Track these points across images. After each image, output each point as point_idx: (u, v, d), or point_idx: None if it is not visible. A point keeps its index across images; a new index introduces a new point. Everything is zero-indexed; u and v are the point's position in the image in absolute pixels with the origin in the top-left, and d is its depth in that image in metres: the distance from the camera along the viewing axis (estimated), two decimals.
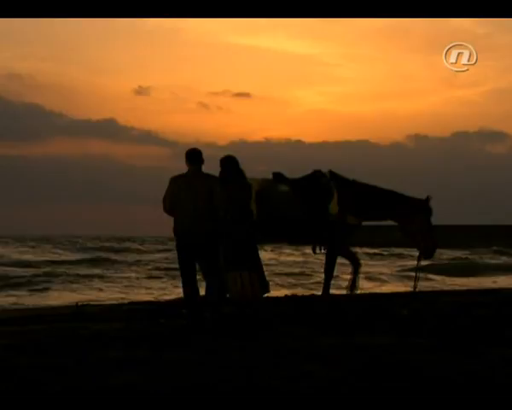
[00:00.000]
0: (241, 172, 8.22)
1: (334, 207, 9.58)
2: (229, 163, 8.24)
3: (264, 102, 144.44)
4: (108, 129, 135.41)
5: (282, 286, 19.31)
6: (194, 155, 8.06)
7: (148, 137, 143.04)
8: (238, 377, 5.42)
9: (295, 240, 10.54)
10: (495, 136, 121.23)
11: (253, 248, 8.13)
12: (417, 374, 5.49)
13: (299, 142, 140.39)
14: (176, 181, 8.01)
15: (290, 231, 9.67)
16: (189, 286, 8.01)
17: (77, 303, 12.04)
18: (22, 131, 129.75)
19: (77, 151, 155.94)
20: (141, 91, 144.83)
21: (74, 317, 9.61)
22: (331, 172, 9.82)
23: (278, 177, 9.75)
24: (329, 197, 9.59)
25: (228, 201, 7.93)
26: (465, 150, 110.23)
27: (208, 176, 8.05)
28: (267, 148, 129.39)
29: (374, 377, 5.39)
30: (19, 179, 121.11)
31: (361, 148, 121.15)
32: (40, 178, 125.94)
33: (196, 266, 8.07)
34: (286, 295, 13.41)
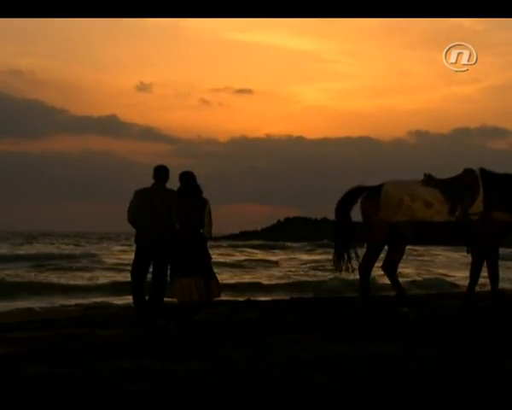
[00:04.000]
0: (197, 187, 8.84)
1: (477, 206, 9.35)
2: (187, 178, 8.86)
3: (266, 99, 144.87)
4: (110, 125, 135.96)
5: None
6: (159, 172, 8.86)
7: (149, 134, 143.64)
8: (246, 386, 5.44)
9: (442, 241, 10.43)
10: (496, 132, 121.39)
11: (207, 256, 8.79)
12: (426, 384, 5.46)
13: (300, 138, 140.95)
14: (139, 194, 8.84)
15: (436, 233, 9.55)
16: (139, 288, 8.83)
17: (84, 308, 12.11)
18: (24, 128, 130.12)
19: (78, 147, 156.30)
20: (142, 88, 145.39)
21: (82, 322, 9.65)
22: (481, 170, 9.61)
23: (428, 178, 9.74)
24: (473, 196, 9.40)
25: (184, 213, 8.62)
26: (466, 146, 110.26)
27: (168, 191, 8.85)
28: (268, 144, 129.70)
29: (382, 388, 5.37)
30: (20, 176, 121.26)
31: (362, 144, 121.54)
32: (41, 174, 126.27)
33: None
34: (292, 298, 13.47)
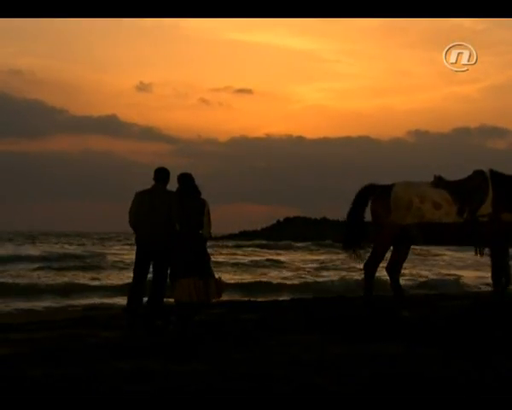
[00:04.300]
0: (196, 188, 8.92)
1: (486, 207, 9.37)
2: (186, 180, 8.93)
3: (266, 99, 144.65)
4: (110, 125, 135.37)
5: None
6: (160, 174, 8.96)
7: (149, 134, 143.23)
8: (246, 387, 5.43)
9: (450, 242, 10.40)
10: (495, 132, 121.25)
11: (206, 256, 8.88)
12: (427, 385, 5.43)
13: (300, 138, 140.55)
14: (140, 196, 8.97)
15: (444, 234, 9.55)
16: (139, 287, 8.94)
17: (83, 308, 12.10)
18: (24, 128, 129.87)
19: (78, 147, 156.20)
20: (142, 88, 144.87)
21: (83, 323, 9.64)
22: (491, 171, 9.61)
23: (438, 179, 9.74)
24: (482, 197, 9.40)
25: (183, 214, 8.71)
26: (466, 146, 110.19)
27: (168, 192, 8.92)
28: (268, 144, 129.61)
29: (383, 390, 5.34)
30: (20, 176, 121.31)
31: (362, 144, 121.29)
32: (41, 174, 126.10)
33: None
34: (292, 298, 13.45)
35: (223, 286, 9.15)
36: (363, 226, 9.91)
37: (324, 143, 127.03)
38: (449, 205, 9.44)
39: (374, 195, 9.78)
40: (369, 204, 9.79)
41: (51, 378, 5.70)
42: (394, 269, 9.96)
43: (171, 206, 8.72)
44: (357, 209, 9.86)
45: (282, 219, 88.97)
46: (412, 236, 9.58)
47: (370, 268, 9.72)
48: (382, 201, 9.65)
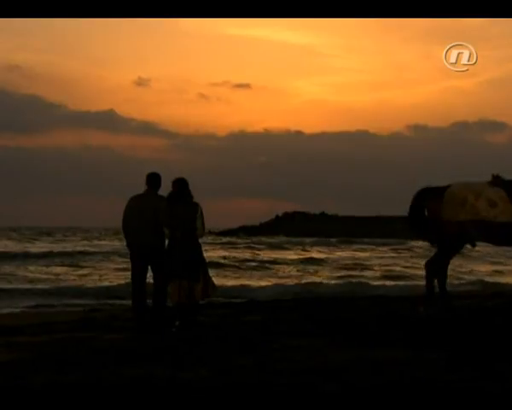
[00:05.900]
0: (189, 193, 9.07)
1: None
2: (180, 184, 9.06)
3: (264, 93, 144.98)
4: (108, 120, 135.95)
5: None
6: (151, 179, 9.11)
7: (147, 129, 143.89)
8: (248, 391, 5.43)
9: (505, 242, 10.08)
10: (494, 126, 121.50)
11: (200, 259, 9.00)
12: (434, 393, 5.39)
13: (298, 132, 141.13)
14: (132, 200, 9.12)
15: (497, 234, 9.44)
16: (138, 291, 8.98)
17: (84, 309, 12.09)
18: (22, 123, 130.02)
19: (76, 142, 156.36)
20: (141, 83, 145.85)
21: (86, 325, 9.66)
22: None
23: (495, 179, 9.70)
24: None
25: (177, 218, 8.81)
26: (464, 140, 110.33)
27: (157, 197, 9.07)
28: (267, 138, 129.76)
29: (390, 397, 5.29)
30: (18, 171, 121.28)
31: (360, 138, 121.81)
32: (40, 169, 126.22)
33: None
34: (294, 299, 13.41)
35: (211, 289, 9.23)
36: (424, 224, 9.80)
37: (323, 137, 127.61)
38: (504, 203, 9.29)
39: (430, 195, 9.71)
40: (426, 205, 9.71)
41: (54, 386, 5.65)
42: (434, 267, 9.75)
43: (159, 211, 8.80)
44: (415, 211, 9.79)
45: (280, 214, 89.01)
46: (469, 234, 9.48)
47: (431, 267, 9.65)
48: (437, 200, 9.54)
